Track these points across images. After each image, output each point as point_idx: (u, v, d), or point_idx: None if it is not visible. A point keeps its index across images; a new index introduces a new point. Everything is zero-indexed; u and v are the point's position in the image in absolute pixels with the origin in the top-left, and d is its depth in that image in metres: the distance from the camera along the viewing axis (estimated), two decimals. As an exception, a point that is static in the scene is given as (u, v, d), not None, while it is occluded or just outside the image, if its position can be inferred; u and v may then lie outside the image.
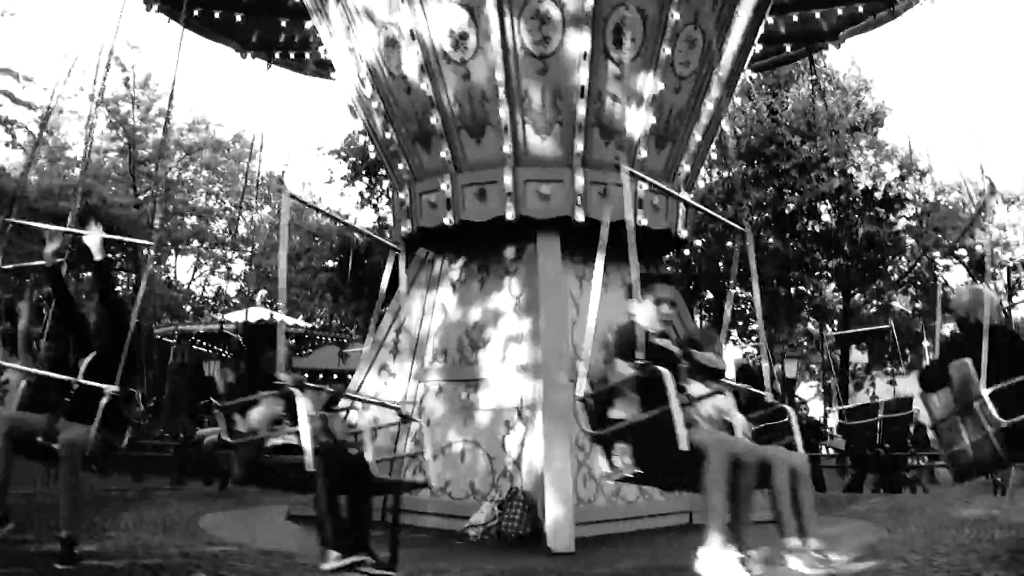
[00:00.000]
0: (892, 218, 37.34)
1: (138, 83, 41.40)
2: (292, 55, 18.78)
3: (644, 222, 12.71)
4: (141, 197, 42.15)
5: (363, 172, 39.05)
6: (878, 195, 35.94)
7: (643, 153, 13.19)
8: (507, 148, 12.79)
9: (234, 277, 56.76)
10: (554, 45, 12.46)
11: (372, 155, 35.76)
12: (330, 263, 42.67)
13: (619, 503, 12.02)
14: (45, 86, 35.75)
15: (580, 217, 12.61)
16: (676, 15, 12.84)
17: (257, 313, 39.12)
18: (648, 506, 12.32)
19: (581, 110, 12.57)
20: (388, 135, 13.93)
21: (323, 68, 18.08)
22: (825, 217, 36.86)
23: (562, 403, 11.15)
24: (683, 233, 13.85)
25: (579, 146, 12.72)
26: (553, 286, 12.42)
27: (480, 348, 12.85)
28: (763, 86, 36.93)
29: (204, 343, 33.49)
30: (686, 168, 14.07)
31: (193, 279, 57.78)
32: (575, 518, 10.86)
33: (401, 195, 13.95)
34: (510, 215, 12.70)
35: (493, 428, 12.31)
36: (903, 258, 39.85)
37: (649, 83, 12.98)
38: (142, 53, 66.70)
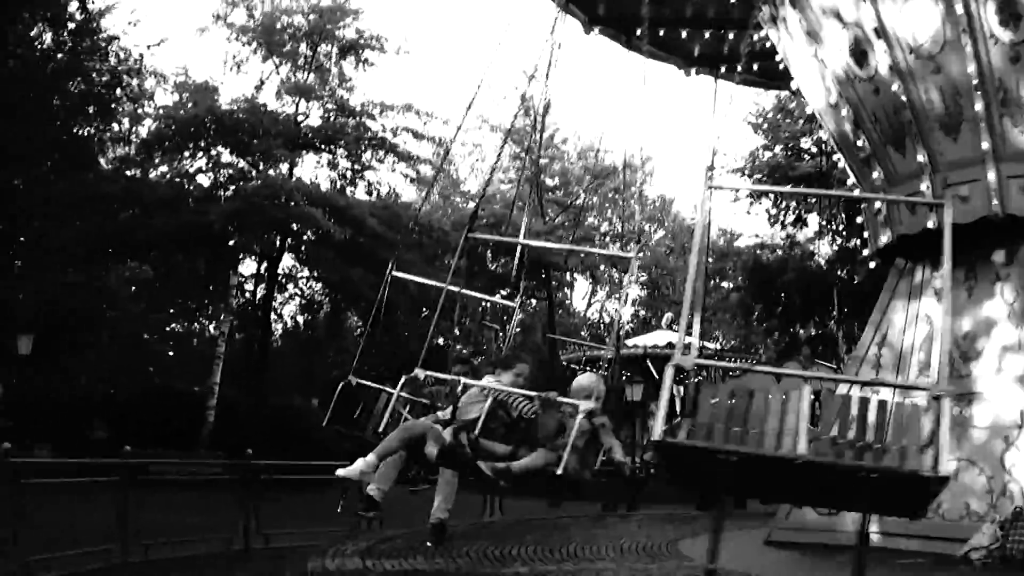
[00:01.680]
0: None
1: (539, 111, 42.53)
2: (735, 67, 18.52)
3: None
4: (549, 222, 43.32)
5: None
6: None
7: None
8: (986, 144, 11.95)
9: (632, 302, 57.34)
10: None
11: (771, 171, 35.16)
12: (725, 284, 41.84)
13: None
14: (445, 119, 37.29)
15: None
16: None
17: (663, 336, 39.20)
18: None
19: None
20: (860, 141, 13.43)
21: (761, 77, 17.80)
22: None
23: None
24: None
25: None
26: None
27: (972, 360, 12.04)
28: None
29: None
30: None
31: (590, 304, 58.92)
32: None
33: (876, 204, 13.38)
34: (996, 214, 11.87)
35: (990, 445, 11.47)
36: None
37: None
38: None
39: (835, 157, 34.99)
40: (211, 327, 42.01)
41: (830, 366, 26.02)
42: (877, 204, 13.57)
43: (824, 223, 36.43)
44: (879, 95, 12.84)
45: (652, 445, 5.38)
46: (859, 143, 13.42)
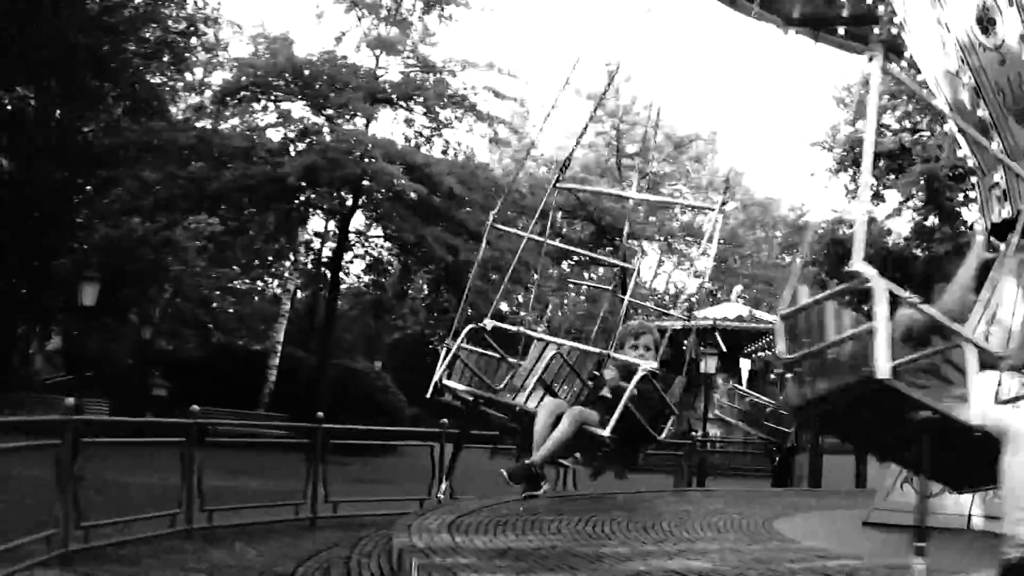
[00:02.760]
0: None
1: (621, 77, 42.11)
2: (841, 31, 17.90)
3: None
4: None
5: (848, 164, 37.31)
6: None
7: None
8: None
9: (696, 274, 56.76)
10: None
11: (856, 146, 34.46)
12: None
13: None
14: (526, 80, 36.85)
15: None
16: None
17: (733, 309, 38.59)
18: None
19: None
20: (980, 111, 12.93)
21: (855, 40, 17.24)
22: None
23: None
24: None
25: None
26: None
27: (1092, 344, 11.58)
28: None
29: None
30: None
31: (656, 275, 58.44)
32: None
33: (996, 177, 12.85)
34: None
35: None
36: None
37: None
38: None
39: (918, 135, 34.56)
40: (274, 285, 41.96)
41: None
42: (996, 178, 13.10)
43: (903, 200, 35.77)
44: (1004, 65, 12.38)
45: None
46: (979, 113, 12.94)
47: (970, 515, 11.80)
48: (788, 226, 48.49)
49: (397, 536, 9.16)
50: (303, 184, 31.06)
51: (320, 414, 14.59)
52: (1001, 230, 12.65)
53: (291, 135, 33.20)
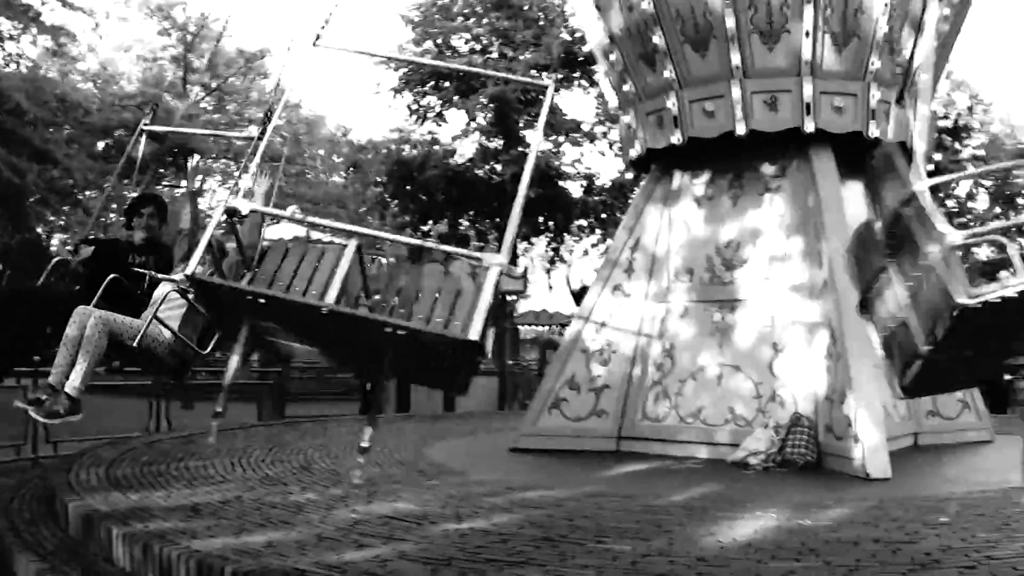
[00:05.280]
0: (958, 146, 37.65)
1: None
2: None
3: (875, 133, 12.02)
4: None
5: (414, 83, 37.57)
6: (948, 123, 36.15)
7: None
8: (735, 61, 12.07)
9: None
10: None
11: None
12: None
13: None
14: None
15: (810, 128, 11.88)
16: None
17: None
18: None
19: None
20: (612, 57, 13.36)
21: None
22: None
23: (862, 324, 10.58)
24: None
25: (806, 55, 11.96)
26: (835, 201, 11.75)
27: (736, 267, 12.26)
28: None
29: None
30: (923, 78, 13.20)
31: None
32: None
33: (667, 103, 12.99)
34: (740, 129, 12.04)
35: (757, 351, 11.77)
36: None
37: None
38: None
39: (487, 57, 35.24)
40: None
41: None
42: (626, 119, 13.57)
43: (469, 121, 36.42)
44: (633, 12, 12.76)
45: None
46: (613, 57, 13.26)
47: (619, 437, 12.31)
48: (344, 145, 48.02)
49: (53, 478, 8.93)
50: None
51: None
52: (660, 155, 13.04)
53: None
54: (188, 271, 5.34)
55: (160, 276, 6.88)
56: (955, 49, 13.64)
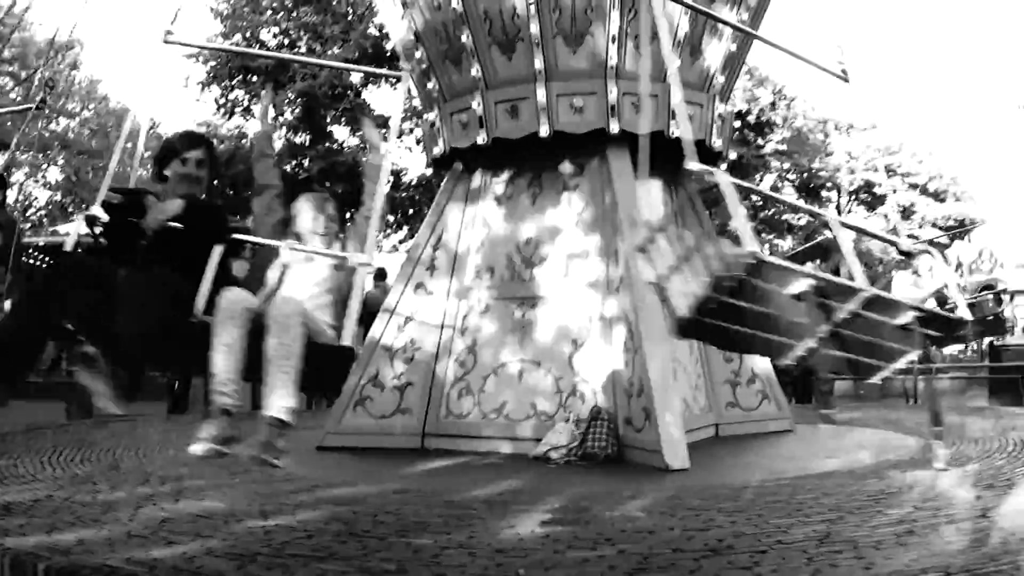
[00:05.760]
0: (760, 141, 38.86)
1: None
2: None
3: (676, 133, 12.33)
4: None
5: (222, 77, 36.99)
6: (751, 119, 37.27)
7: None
8: (538, 64, 12.31)
9: (48, 185, 54.73)
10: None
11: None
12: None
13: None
14: None
15: (615, 129, 12.21)
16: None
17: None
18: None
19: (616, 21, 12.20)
20: (419, 54, 13.41)
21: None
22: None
23: (658, 318, 10.89)
24: (717, 144, 13.47)
25: (611, 58, 12.29)
26: (631, 199, 12.04)
27: (536, 265, 12.46)
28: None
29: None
30: (720, 79, 13.69)
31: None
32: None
33: (473, 103, 13.07)
34: (544, 131, 12.27)
35: (557, 346, 11.99)
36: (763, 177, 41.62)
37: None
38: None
39: (296, 50, 34.93)
40: None
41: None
42: (430, 117, 13.68)
43: (277, 116, 36.02)
44: (440, 11, 12.84)
45: None
46: (418, 55, 13.32)
47: (424, 434, 12.41)
48: (153, 139, 46.83)
49: None
50: None
51: None
52: (462, 154, 13.18)
53: None
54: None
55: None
56: (757, 47, 14.10)
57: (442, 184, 14.11)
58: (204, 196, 6.96)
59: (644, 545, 6.32)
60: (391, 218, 37.65)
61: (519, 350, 12.23)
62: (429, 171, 36.36)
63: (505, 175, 13.16)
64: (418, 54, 13.49)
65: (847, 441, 12.44)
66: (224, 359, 5.99)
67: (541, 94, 12.26)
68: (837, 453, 11.26)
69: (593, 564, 5.86)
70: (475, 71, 12.67)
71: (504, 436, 11.94)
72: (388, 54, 35.10)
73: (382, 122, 36.52)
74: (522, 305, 12.45)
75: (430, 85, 13.56)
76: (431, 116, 13.67)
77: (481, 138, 12.65)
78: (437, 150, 13.51)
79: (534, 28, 12.16)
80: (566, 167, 12.75)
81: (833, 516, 7.15)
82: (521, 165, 12.95)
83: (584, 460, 10.86)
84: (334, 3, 35.71)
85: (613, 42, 12.17)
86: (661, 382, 10.79)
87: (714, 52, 12.95)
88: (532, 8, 12.07)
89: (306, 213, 7.55)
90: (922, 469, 9.36)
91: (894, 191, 45.00)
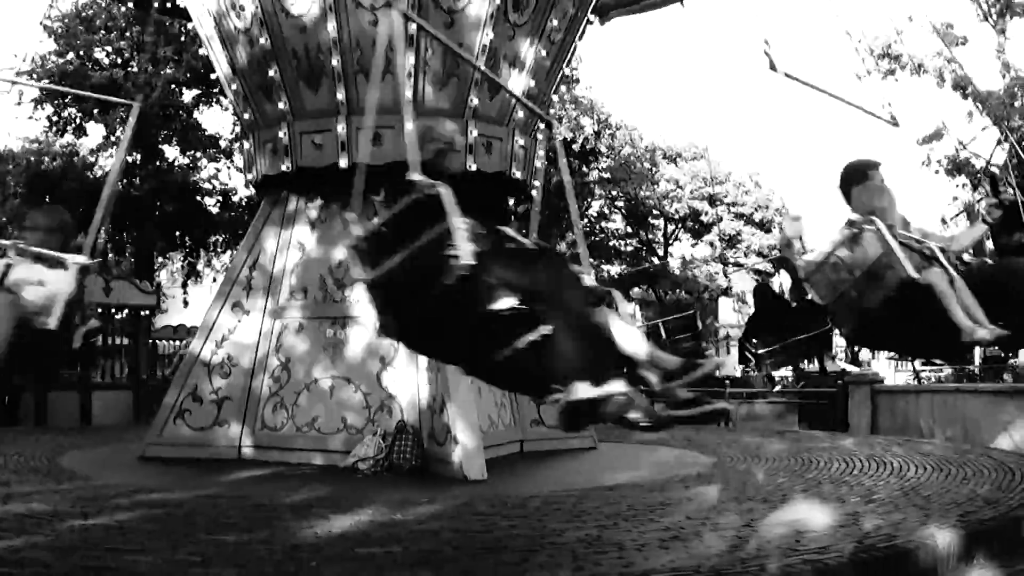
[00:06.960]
0: (585, 169, 40.02)
1: None
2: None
3: (474, 167, 13.20)
4: None
5: (54, 96, 36.50)
6: (576, 147, 38.43)
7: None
8: (340, 96, 13.00)
9: None
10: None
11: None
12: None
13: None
14: None
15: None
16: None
17: None
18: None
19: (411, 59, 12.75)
20: (234, 86, 14.12)
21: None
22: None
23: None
24: (517, 174, 14.10)
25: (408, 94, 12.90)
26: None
27: (347, 287, 13.04)
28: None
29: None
30: (520, 114, 14.33)
31: None
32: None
33: (279, 133, 13.53)
34: (344, 162, 12.84)
35: (367, 364, 12.65)
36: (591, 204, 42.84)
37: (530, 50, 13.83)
38: None
39: (128, 70, 34.69)
40: None
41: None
42: (247, 144, 14.26)
43: (108, 135, 35.74)
44: (254, 47, 13.48)
45: None
46: (271, 73, 13.81)
47: (240, 446, 12.97)
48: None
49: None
50: None
51: None
52: (277, 180, 13.70)
53: None
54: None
55: None
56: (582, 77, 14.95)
57: (259, 207, 14.66)
58: None
59: (428, 544, 7.13)
60: (219, 238, 37.53)
61: (331, 367, 12.85)
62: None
63: (318, 201, 13.74)
64: (235, 86, 14.08)
65: (644, 458, 13.15)
66: None
67: (341, 127, 12.96)
68: (630, 468, 12.09)
69: (379, 559, 6.62)
70: (283, 103, 13.36)
71: (316, 448, 12.57)
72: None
73: (212, 142, 36.65)
74: (334, 324, 13.07)
75: (246, 115, 14.15)
76: (247, 143, 14.21)
77: (286, 166, 13.30)
78: (251, 176, 14.09)
79: (335, 63, 12.85)
80: (375, 196, 13.31)
81: (608, 523, 7.98)
82: (332, 192, 13.44)
83: (390, 471, 11.57)
84: (168, 24, 35.59)
85: (409, 77, 12.67)
86: (462, 399, 11.60)
87: (514, 86, 13.65)
88: (334, 46, 12.77)
89: None
90: (705, 484, 10.22)
91: (719, 220, 46.54)
